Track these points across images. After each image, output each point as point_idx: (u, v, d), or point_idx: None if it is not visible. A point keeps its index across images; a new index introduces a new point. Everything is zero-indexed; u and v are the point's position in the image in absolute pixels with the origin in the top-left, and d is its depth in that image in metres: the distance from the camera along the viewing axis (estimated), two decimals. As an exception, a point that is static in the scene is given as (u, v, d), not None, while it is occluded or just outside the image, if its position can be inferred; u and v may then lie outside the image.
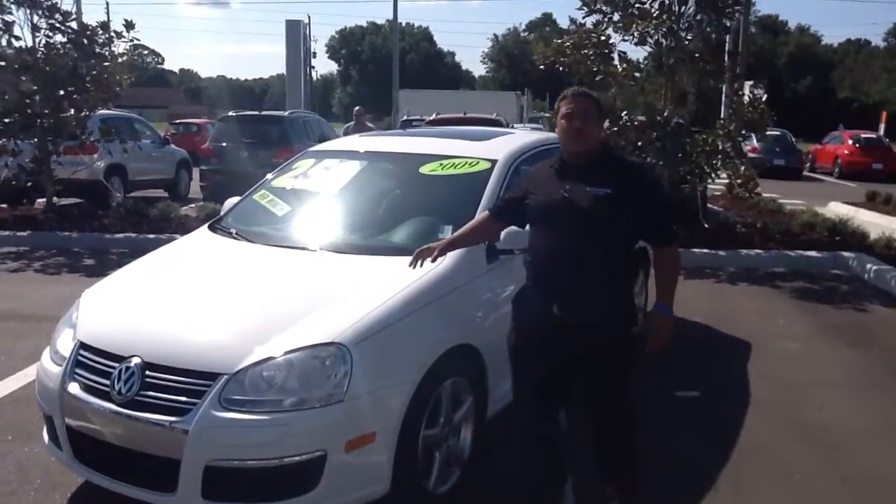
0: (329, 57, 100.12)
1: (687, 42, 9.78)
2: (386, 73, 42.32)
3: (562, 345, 2.96)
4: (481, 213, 3.48)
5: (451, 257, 3.55)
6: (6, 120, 10.64)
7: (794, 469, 3.93)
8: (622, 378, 3.08)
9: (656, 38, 9.73)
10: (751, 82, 11.82)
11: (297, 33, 31.07)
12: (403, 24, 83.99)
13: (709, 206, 11.73)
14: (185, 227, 9.66)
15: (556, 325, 2.95)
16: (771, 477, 3.85)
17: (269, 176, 4.96)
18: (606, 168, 3.03)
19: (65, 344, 3.45)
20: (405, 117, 23.85)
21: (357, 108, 14.04)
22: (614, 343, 3.00)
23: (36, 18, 10.69)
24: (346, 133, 14.28)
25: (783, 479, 3.83)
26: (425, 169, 4.37)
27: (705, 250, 9.22)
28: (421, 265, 3.31)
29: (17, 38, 10.73)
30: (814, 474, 3.90)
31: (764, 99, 10.21)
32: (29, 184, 11.38)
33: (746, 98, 10.32)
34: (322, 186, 4.57)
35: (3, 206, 11.76)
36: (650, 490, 3.68)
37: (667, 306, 3.14)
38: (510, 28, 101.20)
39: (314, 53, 54.08)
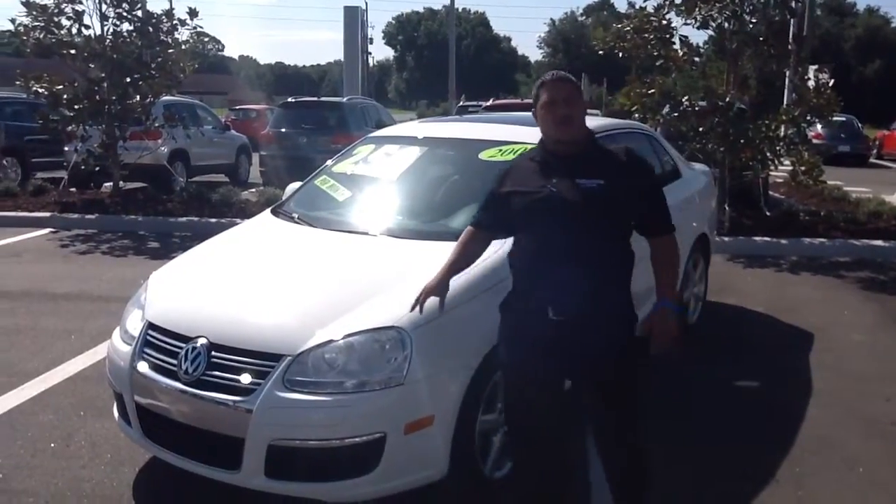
0: (385, 43, 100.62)
1: (751, 26, 9.56)
2: (442, 58, 42.30)
3: (561, 350, 2.73)
4: (466, 229, 3.16)
5: (510, 242, 3.55)
6: (76, 106, 10.95)
7: (859, 462, 3.84)
8: (629, 380, 2.85)
9: (719, 21, 9.53)
10: (816, 66, 11.48)
11: (354, 20, 31.16)
12: (460, 10, 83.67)
13: (770, 193, 11.49)
14: (245, 211, 9.86)
15: (554, 330, 2.72)
16: (834, 470, 3.78)
17: (329, 162, 5.02)
18: (595, 157, 2.80)
19: (134, 324, 3.56)
20: (461, 103, 23.82)
21: None
22: (618, 344, 2.77)
23: (104, 7, 10.97)
24: None
25: (847, 473, 3.76)
26: (484, 155, 4.37)
27: (767, 238, 9.04)
28: (421, 310, 3.05)
29: (87, 27, 11.03)
30: (880, 468, 3.81)
31: (830, 84, 9.94)
32: (97, 168, 11.69)
33: (812, 83, 10.05)
34: (382, 172, 4.61)
35: (73, 189, 12.15)
36: (710, 482, 3.66)
37: (669, 301, 2.87)
38: (567, 12, 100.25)
39: (371, 40, 54.37)
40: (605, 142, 4.47)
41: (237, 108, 30.97)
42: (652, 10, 9.76)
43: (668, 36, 9.68)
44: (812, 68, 11.24)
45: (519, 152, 4.31)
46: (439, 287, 3.05)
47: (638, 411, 2.94)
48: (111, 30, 11.11)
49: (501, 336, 2.94)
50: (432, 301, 3.08)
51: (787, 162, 10.41)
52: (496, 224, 3.03)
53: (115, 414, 3.60)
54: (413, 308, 3.05)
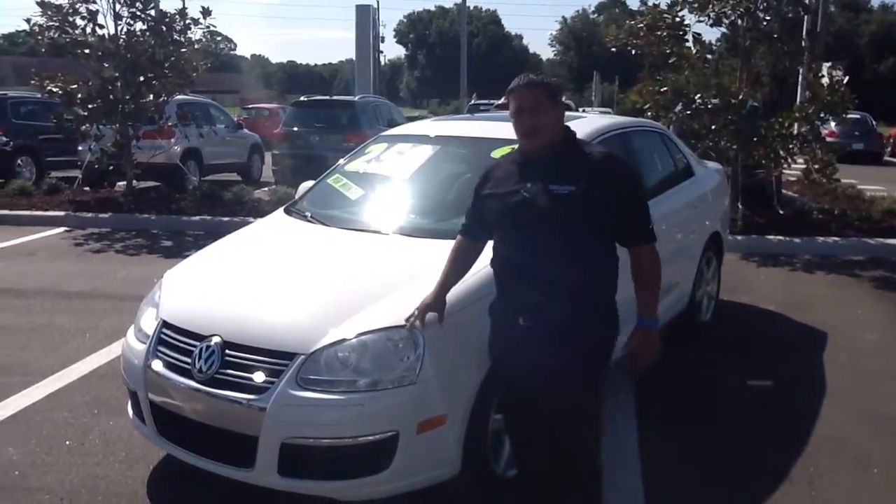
0: (397, 41, 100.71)
1: (764, 23, 9.53)
2: (453, 57, 42.27)
3: (530, 358, 2.70)
4: (456, 239, 3.17)
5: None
6: (90, 106, 11.02)
7: (872, 463, 3.83)
8: (592, 393, 2.79)
9: (732, 18, 9.50)
10: (829, 63, 11.39)
11: (366, 18, 31.10)
12: (471, 8, 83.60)
13: (783, 191, 11.44)
14: (257, 210, 9.89)
15: (524, 337, 2.72)
16: (847, 470, 3.76)
17: (342, 160, 5.04)
18: (572, 160, 2.71)
19: (148, 322, 3.58)
20: (473, 101, 23.83)
21: None
22: (586, 357, 2.71)
23: (118, 7, 11.03)
24: None
25: (860, 473, 3.74)
26: (497, 153, 4.35)
27: (780, 237, 9.01)
28: (421, 324, 3.03)
29: (101, 27, 11.09)
30: (894, 468, 3.79)
31: (844, 81, 9.88)
32: (110, 167, 11.76)
33: (825, 80, 9.99)
34: (394, 170, 4.61)
35: (86, 188, 12.23)
36: (723, 481, 3.65)
37: (650, 320, 2.78)
38: (579, 10, 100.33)
39: (383, 38, 54.37)
40: (611, 141, 4.50)
41: (250, 106, 31.08)
42: (665, 8, 9.74)
43: (681, 33, 9.67)
44: (826, 65, 11.16)
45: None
46: (436, 303, 3.06)
47: (587, 419, 2.84)
48: (125, 29, 11.18)
49: (489, 338, 2.97)
50: (432, 315, 3.07)
51: (800, 160, 10.36)
52: (482, 229, 3.00)
53: (130, 412, 3.62)
54: (410, 324, 3.04)
